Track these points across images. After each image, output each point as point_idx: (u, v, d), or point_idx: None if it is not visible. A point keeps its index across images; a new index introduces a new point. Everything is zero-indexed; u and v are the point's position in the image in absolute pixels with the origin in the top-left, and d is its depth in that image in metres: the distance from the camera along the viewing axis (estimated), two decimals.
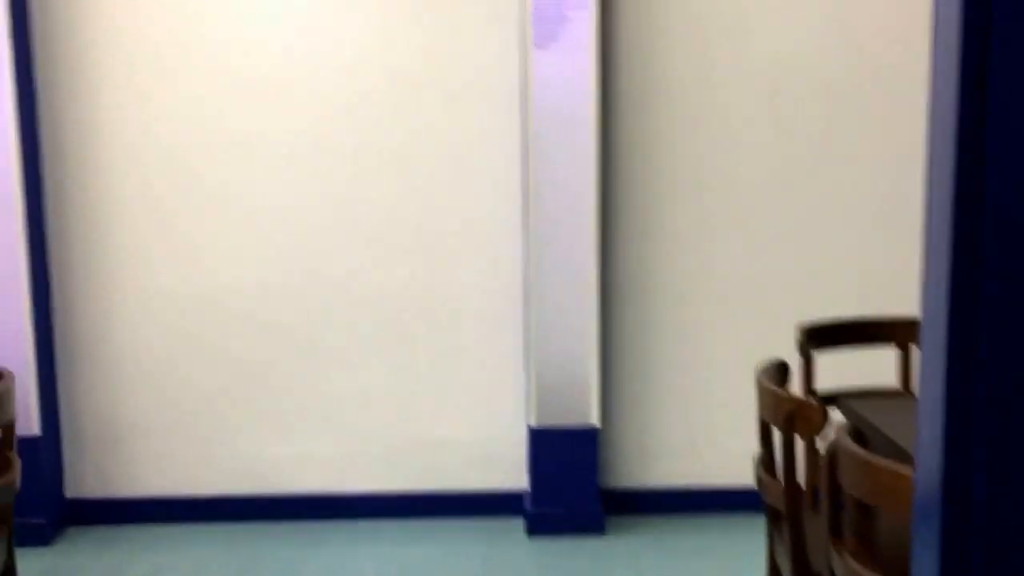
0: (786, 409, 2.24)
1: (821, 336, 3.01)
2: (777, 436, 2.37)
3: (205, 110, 3.85)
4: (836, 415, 2.57)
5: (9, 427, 2.80)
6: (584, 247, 3.72)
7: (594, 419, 3.81)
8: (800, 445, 2.26)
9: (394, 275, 3.92)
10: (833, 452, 1.98)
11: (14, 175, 3.67)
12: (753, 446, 2.53)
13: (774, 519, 2.51)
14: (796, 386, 2.81)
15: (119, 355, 3.96)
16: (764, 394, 2.35)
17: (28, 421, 3.76)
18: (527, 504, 3.88)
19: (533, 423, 3.82)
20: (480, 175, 3.89)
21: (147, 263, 3.91)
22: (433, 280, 3.93)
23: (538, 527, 3.82)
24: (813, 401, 2.32)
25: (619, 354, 3.96)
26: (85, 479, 4.03)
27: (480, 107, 3.84)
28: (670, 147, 3.87)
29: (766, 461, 2.46)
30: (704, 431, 3.99)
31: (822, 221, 3.90)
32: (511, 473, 3.99)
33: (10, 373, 2.83)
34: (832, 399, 2.76)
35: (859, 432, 2.52)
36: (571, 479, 3.83)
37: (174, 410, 3.99)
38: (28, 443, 3.74)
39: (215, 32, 3.82)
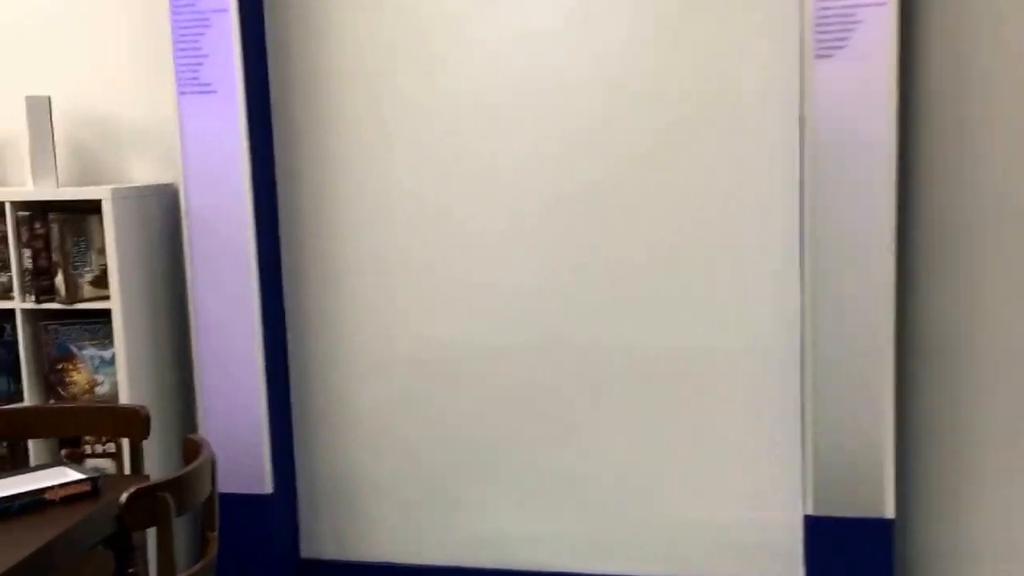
0: None
1: None
2: None
3: (440, 164, 3.53)
4: None
5: (209, 503, 2.53)
6: (876, 298, 3.07)
7: (888, 510, 3.14)
8: None
9: (648, 335, 3.44)
10: None
11: (249, 233, 3.49)
12: None
13: None
14: None
15: (355, 415, 3.74)
16: None
17: (261, 479, 3.60)
18: None
19: (810, 510, 3.20)
20: (749, 214, 3.32)
21: (384, 322, 3.67)
22: (693, 340, 3.41)
23: None
24: None
25: (922, 430, 3.28)
26: (321, 540, 3.84)
27: (749, 132, 3.28)
28: (990, 176, 3.14)
29: None
30: None
31: None
32: (782, 566, 3.40)
33: (208, 443, 2.56)
34: None
35: None
36: None
37: (409, 474, 3.73)
38: (260, 501, 3.60)
39: (454, 68, 3.48)
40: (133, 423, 2.92)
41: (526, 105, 3.44)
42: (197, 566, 2.42)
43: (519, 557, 3.65)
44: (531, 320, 3.53)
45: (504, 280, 3.53)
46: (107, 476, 2.65)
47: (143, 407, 2.91)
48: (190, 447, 2.54)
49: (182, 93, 3.45)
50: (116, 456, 3.45)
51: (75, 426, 3.06)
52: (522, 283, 3.52)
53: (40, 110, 3.49)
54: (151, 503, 2.17)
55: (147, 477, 2.81)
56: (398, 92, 3.53)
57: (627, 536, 3.55)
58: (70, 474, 2.58)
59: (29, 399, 3.51)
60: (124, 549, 2.56)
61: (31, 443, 3.43)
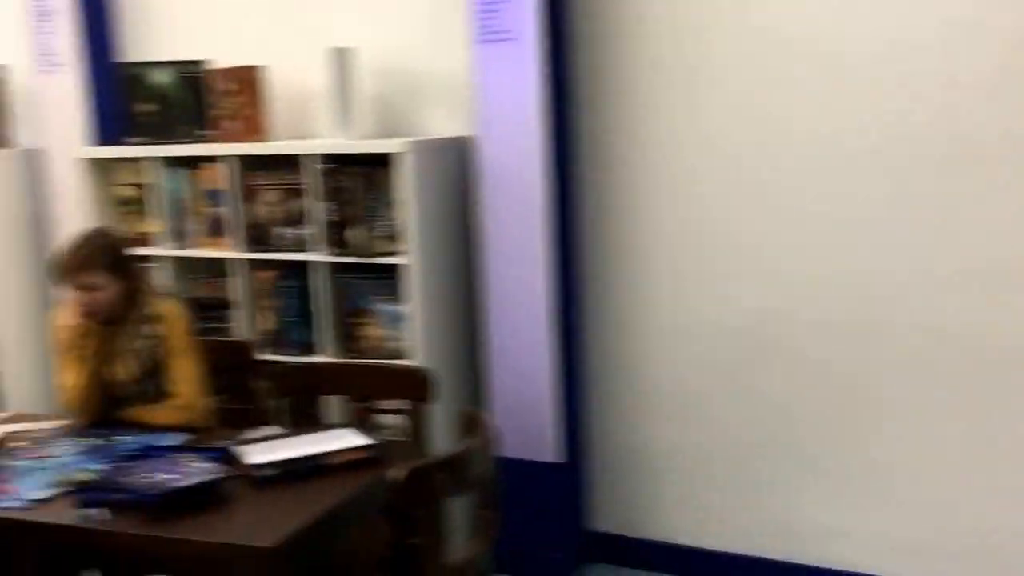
0: None
1: None
2: None
3: (755, 125, 3.20)
4: None
5: (490, 482, 2.38)
6: None
7: None
8: None
9: (986, 319, 2.98)
10: None
11: (545, 190, 3.32)
12: None
13: None
14: None
15: (650, 387, 3.52)
16: None
17: (548, 447, 3.46)
18: None
19: None
20: None
21: (683, 290, 3.41)
22: None
23: None
24: None
25: None
26: (608, 513, 3.67)
27: None
28: None
29: None
30: None
31: None
32: None
33: (489, 420, 2.41)
34: None
35: None
36: None
37: (702, 452, 3.48)
38: (546, 469, 3.47)
39: (786, 24, 3.12)
40: (418, 385, 2.83)
41: (857, 69, 3.05)
42: (475, 548, 2.28)
43: (820, 553, 3.33)
44: (852, 295, 3.16)
45: (822, 250, 3.18)
46: (388, 443, 2.56)
47: (428, 369, 2.82)
48: (469, 422, 2.39)
49: (479, 41, 3.30)
50: (404, 416, 3.40)
51: (361, 385, 3.03)
52: (844, 255, 3.16)
53: (344, 62, 3.46)
54: (425, 483, 2.03)
55: (426, 451, 2.71)
56: (717, 46, 3.21)
57: (945, 541, 3.15)
58: (354, 438, 2.51)
59: (325, 352, 3.52)
60: (402, 520, 2.47)
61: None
